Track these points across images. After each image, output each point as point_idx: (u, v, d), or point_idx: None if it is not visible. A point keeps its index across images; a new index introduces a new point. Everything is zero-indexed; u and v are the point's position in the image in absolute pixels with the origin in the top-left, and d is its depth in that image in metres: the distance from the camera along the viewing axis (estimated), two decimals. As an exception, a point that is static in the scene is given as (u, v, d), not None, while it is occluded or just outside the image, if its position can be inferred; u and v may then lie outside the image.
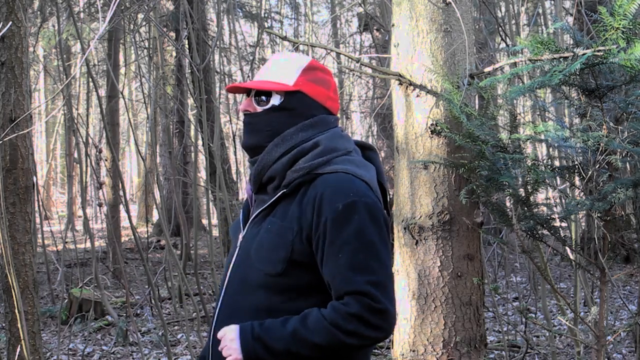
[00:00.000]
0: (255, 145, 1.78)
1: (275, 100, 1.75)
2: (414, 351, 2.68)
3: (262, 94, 1.77)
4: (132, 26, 7.37)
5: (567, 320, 3.32)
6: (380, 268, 1.62)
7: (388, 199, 1.84)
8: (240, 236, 1.80)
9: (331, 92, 1.80)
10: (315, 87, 1.77)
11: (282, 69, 1.77)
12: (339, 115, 1.95)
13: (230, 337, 1.66)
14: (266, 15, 12.02)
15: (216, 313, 1.77)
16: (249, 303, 1.70)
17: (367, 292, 1.59)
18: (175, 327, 6.61)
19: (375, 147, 2.05)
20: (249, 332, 1.64)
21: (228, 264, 1.80)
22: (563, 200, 4.61)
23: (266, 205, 1.74)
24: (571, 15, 7.73)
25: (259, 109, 1.76)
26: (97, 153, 8.16)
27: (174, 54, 11.33)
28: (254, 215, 1.77)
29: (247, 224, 1.79)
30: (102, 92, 11.54)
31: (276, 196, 1.72)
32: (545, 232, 2.76)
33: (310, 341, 1.59)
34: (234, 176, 10.24)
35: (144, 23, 7.55)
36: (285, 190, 1.71)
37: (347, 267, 1.61)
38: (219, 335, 1.69)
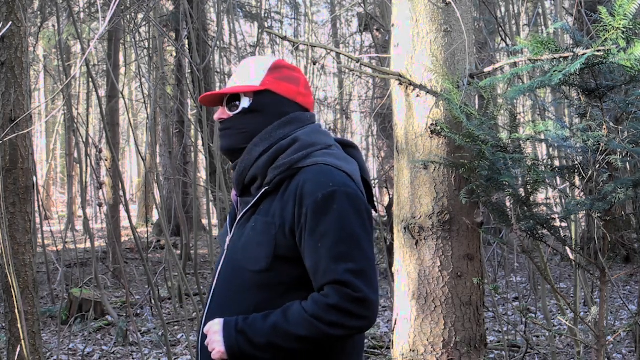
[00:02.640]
0: (232, 147, 1.79)
1: (245, 102, 1.77)
2: (414, 351, 2.68)
3: (232, 100, 1.79)
4: (132, 26, 7.36)
5: (567, 320, 3.32)
6: (361, 256, 1.63)
7: (373, 194, 1.85)
8: (228, 239, 1.80)
9: (301, 87, 1.81)
10: (283, 84, 1.78)
11: (248, 72, 1.79)
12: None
13: (214, 330, 1.67)
14: (266, 15, 12.02)
15: (204, 316, 1.78)
16: (236, 303, 1.70)
17: (347, 281, 1.59)
18: (175, 327, 6.62)
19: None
20: (232, 325, 1.64)
21: (216, 268, 1.81)
22: (563, 200, 4.61)
23: (250, 205, 1.75)
24: (571, 15, 7.72)
25: (232, 114, 1.78)
26: (97, 153, 8.16)
27: (174, 54, 11.32)
28: (239, 217, 1.78)
29: (234, 227, 1.80)
30: (102, 92, 11.54)
31: (259, 194, 1.73)
32: (545, 232, 2.76)
33: (292, 334, 1.59)
34: (234, 176, 10.23)
35: (144, 23, 7.54)
36: (267, 187, 1.72)
37: (327, 257, 1.61)
38: (205, 329, 1.70)
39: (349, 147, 1.87)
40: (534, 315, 5.89)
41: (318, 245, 1.62)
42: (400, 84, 2.75)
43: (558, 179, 3.19)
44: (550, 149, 4.40)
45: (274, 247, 1.66)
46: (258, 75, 1.78)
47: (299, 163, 1.71)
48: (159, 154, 12.80)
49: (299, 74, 1.83)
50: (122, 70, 10.71)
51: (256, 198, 1.73)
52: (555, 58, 2.37)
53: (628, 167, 2.92)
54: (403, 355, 2.71)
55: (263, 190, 1.73)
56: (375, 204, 1.90)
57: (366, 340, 5.23)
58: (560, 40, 4.67)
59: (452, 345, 2.65)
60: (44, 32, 10.89)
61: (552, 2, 8.56)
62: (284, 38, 2.92)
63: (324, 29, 15.47)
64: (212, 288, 1.78)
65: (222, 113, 1.80)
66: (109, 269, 9.28)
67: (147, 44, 8.95)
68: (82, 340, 6.23)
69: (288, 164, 1.70)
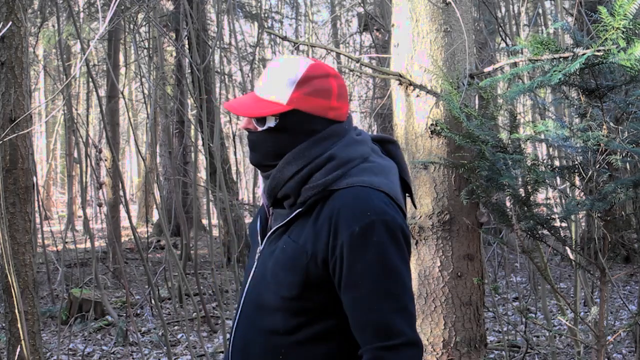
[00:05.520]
0: (260, 163, 1.72)
1: (271, 122, 1.67)
2: (414, 351, 2.68)
3: None
4: (132, 26, 7.37)
5: (567, 320, 3.32)
6: (403, 291, 1.57)
7: (412, 195, 1.77)
8: (258, 250, 1.75)
9: (333, 100, 1.68)
10: (312, 101, 1.66)
11: (276, 83, 1.67)
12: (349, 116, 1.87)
13: None
14: (266, 15, 12.02)
15: (233, 332, 1.75)
16: (265, 324, 1.66)
17: (392, 325, 1.55)
18: (175, 327, 6.62)
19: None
20: None
21: (246, 279, 1.76)
22: (563, 200, 4.61)
23: (282, 223, 1.68)
24: (571, 15, 7.72)
25: (259, 128, 1.69)
26: (97, 153, 8.16)
27: (174, 54, 11.33)
28: (271, 231, 1.72)
29: (265, 239, 1.74)
30: (102, 92, 11.54)
31: (292, 215, 1.66)
32: (545, 232, 2.76)
33: None
34: (234, 176, 10.24)
35: (144, 23, 7.55)
36: (300, 209, 1.65)
37: (367, 294, 1.55)
38: None
39: (387, 144, 1.78)
40: (534, 315, 5.89)
41: (358, 282, 1.55)
42: (400, 84, 2.75)
43: (558, 179, 3.19)
44: (550, 149, 4.40)
45: (305, 276, 1.59)
46: (285, 91, 1.65)
47: (334, 184, 1.61)
48: (159, 154, 12.80)
49: (332, 82, 1.68)
50: (122, 70, 10.72)
51: (288, 219, 1.67)
52: (555, 58, 2.37)
53: (628, 167, 2.92)
54: (403, 355, 2.71)
55: (296, 211, 1.65)
56: (415, 205, 1.84)
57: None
58: (560, 40, 4.67)
59: (452, 345, 2.65)
60: (44, 32, 10.89)
61: (552, 2, 8.56)
62: (284, 38, 2.92)
63: (324, 29, 15.46)
64: (241, 303, 1.74)
65: (248, 123, 1.71)
66: (109, 269, 9.28)
67: (147, 44, 8.95)
68: (82, 340, 6.23)
69: (322, 185, 1.61)
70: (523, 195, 2.63)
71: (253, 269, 1.74)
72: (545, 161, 2.75)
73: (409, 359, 1.55)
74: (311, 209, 1.64)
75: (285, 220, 1.67)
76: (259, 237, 1.77)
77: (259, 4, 10.56)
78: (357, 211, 1.56)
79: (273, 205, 1.74)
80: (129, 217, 4.90)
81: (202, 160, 10.46)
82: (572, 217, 3.95)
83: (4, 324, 4.69)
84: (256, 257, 1.75)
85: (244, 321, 1.72)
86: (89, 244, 7.81)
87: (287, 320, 1.63)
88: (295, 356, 1.64)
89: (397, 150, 1.79)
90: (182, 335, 6.24)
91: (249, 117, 1.69)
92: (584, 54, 2.28)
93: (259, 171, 1.79)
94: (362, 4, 8.10)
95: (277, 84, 1.67)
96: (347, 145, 1.67)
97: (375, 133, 2.11)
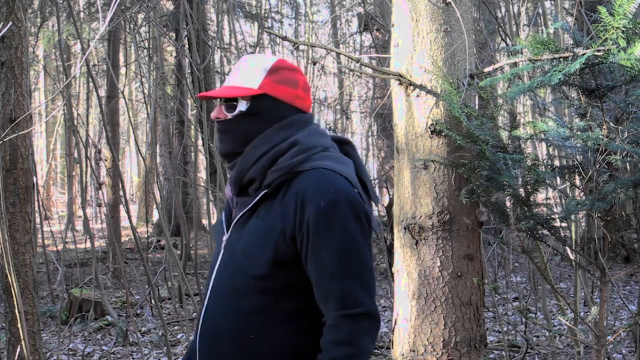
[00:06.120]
0: (230, 152, 1.79)
1: (242, 106, 1.76)
2: (413, 351, 2.68)
3: (229, 100, 1.78)
4: (132, 26, 7.37)
5: (567, 320, 3.32)
6: (363, 265, 1.66)
7: (370, 192, 1.82)
8: (224, 239, 1.80)
9: (300, 90, 1.80)
10: (281, 88, 1.77)
11: (247, 73, 1.78)
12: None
13: None
14: (266, 15, 12.02)
15: (201, 317, 1.77)
16: (235, 305, 1.70)
17: (353, 296, 1.62)
18: (175, 327, 6.62)
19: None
20: None
21: (212, 268, 1.80)
22: (563, 200, 4.61)
23: (248, 207, 1.74)
24: (571, 15, 7.73)
25: (229, 115, 1.77)
26: (97, 153, 8.16)
27: (174, 54, 11.33)
28: (237, 218, 1.77)
29: (231, 227, 1.79)
30: (102, 92, 11.54)
31: (258, 197, 1.72)
32: (545, 232, 2.76)
33: None
34: (234, 176, 10.21)
35: (144, 23, 7.55)
36: (266, 190, 1.72)
37: (330, 268, 1.63)
38: None
39: (344, 145, 1.87)
40: (534, 315, 5.89)
41: (322, 255, 1.63)
42: (400, 84, 2.75)
43: (558, 179, 3.19)
44: (550, 149, 4.40)
45: (275, 253, 1.66)
46: (256, 77, 1.76)
47: (299, 167, 1.70)
48: (159, 154, 12.80)
49: (298, 76, 1.82)
50: (122, 70, 10.72)
51: (254, 201, 1.73)
52: (555, 58, 2.37)
53: (628, 167, 2.92)
54: (403, 355, 2.71)
55: (262, 193, 1.72)
56: (377, 199, 1.90)
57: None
58: (560, 40, 4.67)
59: (452, 345, 2.65)
60: (44, 32, 10.89)
61: (552, 2, 8.56)
62: (284, 38, 2.92)
63: (324, 29, 15.44)
64: (209, 290, 1.77)
65: (219, 112, 1.80)
66: (109, 269, 9.29)
67: (147, 44, 8.95)
68: (82, 340, 6.23)
69: (287, 167, 1.70)
70: (523, 195, 2.63)
71: (219, 258, 1.79)
72: (545, 161, 2.76)
73: (366, 329, 1.64)
74: (276, 191, 1.72)
75: (252, 204, 1.73)
76: (225, 228, 1.82)
77: (259, 4, 10.57)
78: (322, 189, 1.65)
79: (238, 194, 1.80)
80: (129, 217, 4.90)
81: (202, 160, 10.46)
82: (572, 217, 3.95)
83: (4, 324, 4.69)
84: (222, 246, 1.80)
85: (212, 306, 1.75)
86: (89, 244, 7.82)
87: (257, 300, 1.68)
88: (265, 335, 1.69)
89: (353, 151, 1.88)
90: (182, 335, 6.24)
91: (223, 97, 1.77)
92: (584, 54, 2.28)
93: None
94: (362, 4, 8.11)
95: (249, 73, 1.78)
96: (310, 134, 1.78)
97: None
